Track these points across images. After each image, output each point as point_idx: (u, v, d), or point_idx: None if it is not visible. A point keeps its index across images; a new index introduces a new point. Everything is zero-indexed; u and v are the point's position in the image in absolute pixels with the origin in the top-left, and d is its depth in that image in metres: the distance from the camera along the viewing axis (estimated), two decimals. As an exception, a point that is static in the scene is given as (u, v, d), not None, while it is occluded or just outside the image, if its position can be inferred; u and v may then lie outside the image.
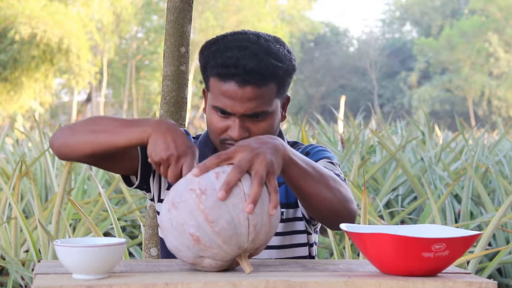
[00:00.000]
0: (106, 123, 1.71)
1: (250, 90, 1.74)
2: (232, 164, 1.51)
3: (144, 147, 1.77)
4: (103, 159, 1.76)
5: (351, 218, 1.71)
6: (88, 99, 33.50)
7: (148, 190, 1.92)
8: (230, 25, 31.44)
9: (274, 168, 1.51)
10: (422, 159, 5.97)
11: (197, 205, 1.46)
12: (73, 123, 1.78)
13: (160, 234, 1.96)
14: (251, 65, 1.72)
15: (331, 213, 1.68)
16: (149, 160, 1.64)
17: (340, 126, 9.12)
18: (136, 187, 1.90)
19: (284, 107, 1.88)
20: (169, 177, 1.62)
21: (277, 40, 1.81)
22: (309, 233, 1.93)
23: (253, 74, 1.73)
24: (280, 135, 1.92)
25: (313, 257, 1.94)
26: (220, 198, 1.45)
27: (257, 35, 1.79)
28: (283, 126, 10.09)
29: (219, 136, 1.81)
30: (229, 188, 1.45)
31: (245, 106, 1.75)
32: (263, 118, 1.78)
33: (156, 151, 1.62)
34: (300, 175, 1.60)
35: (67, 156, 1.76)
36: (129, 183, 1.90)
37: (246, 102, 1.75)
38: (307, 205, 1.69)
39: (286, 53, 1.80)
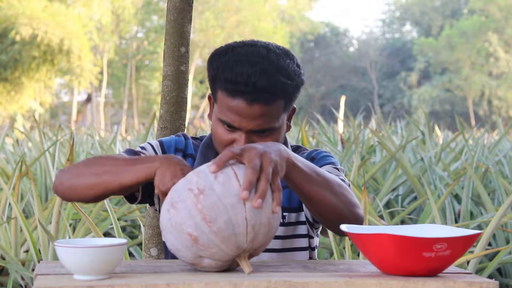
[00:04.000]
0: (110, 163, 1.70)
1: (259, 108, 1.73)
2: (239, 162, 1.52)
3: None
4: (108, 195, 1.76)
5: (358, 223, 1.70)
6: (88, 99, 33.50)
7: (151, 203, 1.93)
8: (230, 25, 31.44)
9: (278, 168, 1.52)
10: (422, 159, 5.97)
11: (195, 205, 1.46)
12: (75, 165, 1.75)
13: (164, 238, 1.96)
14: (261, 83, 1.71)
15: (337, 217, 1.68)
16: (156, 191, 1.62)
17: (340, 126, 9.12)
18: (139, 203, 1.90)
19: (289, 118, 1.88)
20: None
21: (286, 54, 1.78)
22: (311, 237, 1.93)
23: (262, 92, 1.72)
24: (284, 141, 1.92)
25: None
26: (244, 198, 1.46)
27: (267, 48, 1.76)
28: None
29: (223, 148, 1.80)
30: (251, 187, 1.46)
31: (253, 123, 1.75)
32: (269, 133, 1.78)
33: (164, 182, 1.60)
34: (303, 179, 1.61)
35: (74, 199, 1.77)
36: (130, 199, 1.89)
37: (254, 119, 1.74)
38: (313, 210, 1.69)
39: (296, 68, 1.77)
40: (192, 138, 1.99)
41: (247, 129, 1.76)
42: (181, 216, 1.48)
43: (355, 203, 1.70)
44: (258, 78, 1.71)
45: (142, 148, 1.90)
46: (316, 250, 1.97)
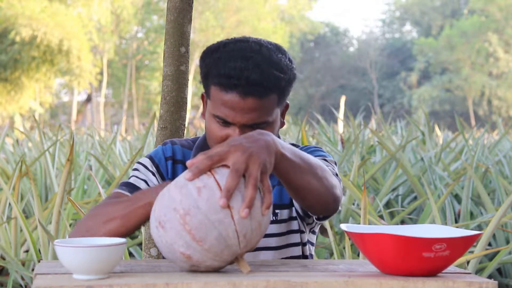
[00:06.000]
0: (114, 211, 1.70)
1: (252, 102, 1.74)
2: (224, 165, 1.49)
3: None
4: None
5: (336, 204, 1.73)
6: (88, 99, 33.51)
7: None
8: (230, 25, 31.44)
9: (267, 167, 1.50)
10: (422, 159, 5.97)
11: (182, 226, 1.45)
12: (82, 221, 1.75)
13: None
14: (254, 76, 1.72)
15: (318, 201, 1.69)
16: None
17: (340, 126, 9.12)
18: None
19: (283, 114, 1.88)
20: None
21: (278, 49, 1.81)
22: (302, 232, 1.94)
23: (256, 86, 1.73)
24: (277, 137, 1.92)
25: (306, 257, 1.95)
26: (222, 206, 1.43)
27: (259, 44, 1.78)
28: (283, 126, 10.11)
29: (217, 144, 1.80)
30: (230, 195, 1.44)
31: (247, 117, 1.75)
32: (263, 127, 1.79)
33: None
34: (290, 168, 1.60)
35: None
36: None
37: (248, 113, 1.75)
38: (296, 196, 1.69)
39: (288, 62, 1.79)
40: (184, 140, 1.98)
41: (241, 123, 1.76)
42: (170, 236, 1.46)
43: (334, 185, 1.71)
44: (251, 72, 1.72)
45: (135, 169, 1.91)
46: (308, 246, 1.96)
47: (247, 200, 1.44)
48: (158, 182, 1.89)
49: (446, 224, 4.37)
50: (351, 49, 48.16)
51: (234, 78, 1.72)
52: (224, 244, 1.46)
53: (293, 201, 1.90)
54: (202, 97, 1.88)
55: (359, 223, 3.80)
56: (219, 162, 1.49)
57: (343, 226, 1.56)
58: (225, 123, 1.78)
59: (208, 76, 1.78)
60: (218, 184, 1.46)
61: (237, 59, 1.74)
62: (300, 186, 1.64)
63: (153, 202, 1.61)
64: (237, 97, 1.73)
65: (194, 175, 1.47)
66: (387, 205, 5.23)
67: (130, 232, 1.70)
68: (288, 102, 1.89)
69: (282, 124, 1.89)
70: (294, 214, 1.92)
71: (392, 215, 4.91)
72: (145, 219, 1.68)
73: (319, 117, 7.99)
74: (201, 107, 1.90)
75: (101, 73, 29.38)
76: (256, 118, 1.76)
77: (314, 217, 1.87)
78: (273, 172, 1.60)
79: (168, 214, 1.46)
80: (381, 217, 4.51)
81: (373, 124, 10.23)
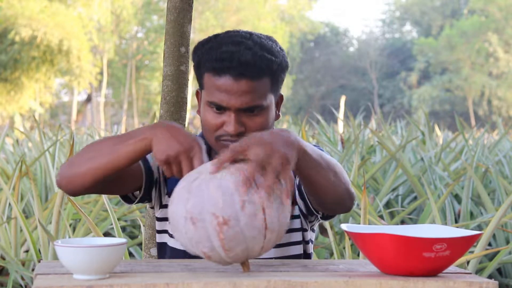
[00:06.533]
0: (103, 146, 1.69)
1: (245, 84, 1.75)
2: (245, 158, 1.50)
3: (145, 159, 1.81)
4: (107, 184, 1.74)
5: (352, 201, 1.75)
6: (88, 99, 33.50)
7: (149, 200, 1.92)
8: (230, 25, 31.41)
9: (289, 159, 1.51)
10: (422, 159, 5.96)
11: (216, 233, 1.45)
12: (72, 156, 1.75)
13: (158, 239, 1.96)
14: (246, 58, 1.74)
15: (336, 199, 1.71)
16: (157, 162, 1.61)
17: (340, 126, 9.12)
18: (138, 202, 1.90)
19: (278, 106, 1.89)
20: (184, 174, 1.61)
21: (269, 38, 1.84)
22: (305, 230, 1.94)
23: (248, 67, 1.75)
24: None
25: (308, 255, 1.95)
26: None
27: (249, 33, 1.82)
28: (283, 126, 10.11)
29: (214, 133, 1.81)
30: (271, 190, 1.46)
31: (241, 99, 1.76)
32: (258, 112, 1.80)
33: (162, 150, 1.60)
34: (312, 165, 1.61)
35: (76, 190, 1.74)
36: (127, 200, 1.90)
37: (242, 95, 1.76)
38: (315, 193, 1.70)
39: (279, 49, 1.82)
40: None
41: (236, 107, 1.77)
42: (199, 235, 1.46)
43: (349, 182, 1.73)
44: (242, 54, 1.75)
45: None
46: (310, 244, 1.96)
47: (266, 187, 1.46)
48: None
49: (446, 224, 4.37)
50: (351, 49, 48.16)
51: (226, 61, 1.74)
52: (246, 255, 1.48)
53: (297, 199, 1.90)
54: (197, 93, 1.89)
55: (359, 223, 3.80)
56: (239, 153, 1.50)
57: (343, 226, 1.56)
58: (220, 109, 1.78)
59: (200, 65, 1.80)
60: (263, 208, 1.46)
61: (228, 44, 1.77)
62: (320, 183, 1.65)
63: (149, 138, 1.61)
64: (230, 80, 1.75)
65: (217, 167, 1.48)
66: (387, 205, 5.23)
67: (117, 172, 1.68)
68: (282, 94, 1.90)
69: (278, 116, 1.90)
70: (297, 212, 1.92)
71: (392, 215, 4.91)
72: (136, 157, 1.65)
73: (319, 117, 7.99)
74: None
75: (101, 73, 29.37)
76: (250, 101, 1.77)
77: (318, 215, 1.87)
78: (294, 169, 1.59)
79: (204, 215, 1.46)
80: (381, 217, 4.51)
81: (373, 124, 10.23)
